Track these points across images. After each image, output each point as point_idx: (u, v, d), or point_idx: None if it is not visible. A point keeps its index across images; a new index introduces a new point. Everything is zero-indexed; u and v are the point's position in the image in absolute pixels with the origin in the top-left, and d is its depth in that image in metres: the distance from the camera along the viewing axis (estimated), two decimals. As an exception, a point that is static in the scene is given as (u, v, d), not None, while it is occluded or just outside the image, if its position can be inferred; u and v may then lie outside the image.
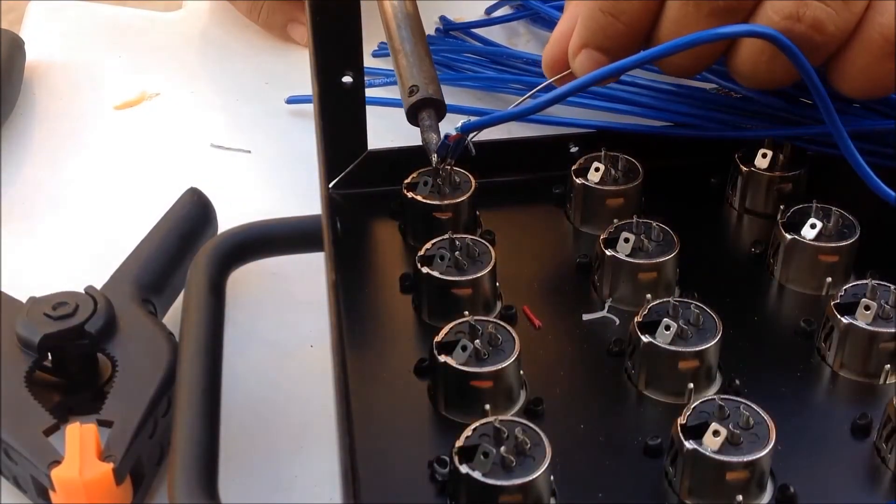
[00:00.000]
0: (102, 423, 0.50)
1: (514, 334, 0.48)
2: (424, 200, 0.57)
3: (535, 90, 0.59)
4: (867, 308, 0.49)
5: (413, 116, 0.57)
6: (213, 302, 0.55)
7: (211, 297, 0.55)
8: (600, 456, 0.46)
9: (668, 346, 0.48)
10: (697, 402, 0.44)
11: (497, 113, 0.55)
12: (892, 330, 0.49)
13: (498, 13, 0.90)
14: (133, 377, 0.52)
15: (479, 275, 0.52)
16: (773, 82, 0.54)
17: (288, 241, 0.61)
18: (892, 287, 0.50)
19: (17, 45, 0.83)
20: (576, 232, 0.60)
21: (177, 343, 0.54)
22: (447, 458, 0.44)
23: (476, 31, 0.86)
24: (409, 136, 0.59)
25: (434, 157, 0.56)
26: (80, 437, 0.48)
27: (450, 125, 0.56)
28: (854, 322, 0.49)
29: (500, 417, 0.43)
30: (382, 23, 0.61)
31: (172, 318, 0.60)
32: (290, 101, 0.80)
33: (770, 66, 0.52)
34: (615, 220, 0.55)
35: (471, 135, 0.55)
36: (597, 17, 0.54)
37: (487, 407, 0.46)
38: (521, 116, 0.58)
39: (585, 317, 0.53)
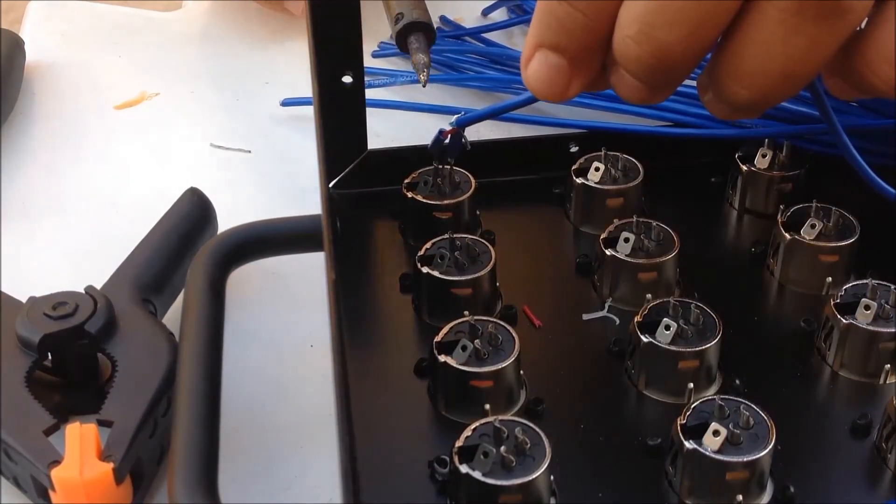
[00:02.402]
0: (102, 423, 0.50)
1: (514, 334, 0.48)
2: (424, 200, 0.57)
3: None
4: (867, 308, 0.49)
5: (402, 43, 0.57)
6: (213, 302, 0.55)
7: (211, 296, 0.55)
8: (600, 456, 0.46)
9: (668, 346, 0.48)
10: (697, 402, 0.44)
11: (490, 106, 0.54)
12: (892, 330, 0.49)
13: (494, 15, 0.90)
14: (133, 377, 0.52)
15: (479, 274, 0.52)
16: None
17: (288, 241, 0.61)
18: (892, 287, 0.50)
19: (17, 45, 0.83)
20: (576, 232, 0.60)
21: (177, 343, 0.54)
22: (447, 458, 0.44)
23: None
24: (409, 137, 0.59)
25: (422, 77, 0.55)
26: (80, 437, 0.48)
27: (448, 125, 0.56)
28: (854, 322, 0.49)
29: (500, 417, 0.43)
30: None
31: (172, 318, 0.60)
32: (286, 103, 0.80)
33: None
34: (615, 220, 0.55)
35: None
36: (552, 7, 0.44)
37: (487, 407, 0.46)
38: (513, 108, 0.57)
39: (585, 316, 0.53)
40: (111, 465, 0.48)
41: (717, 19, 0.41)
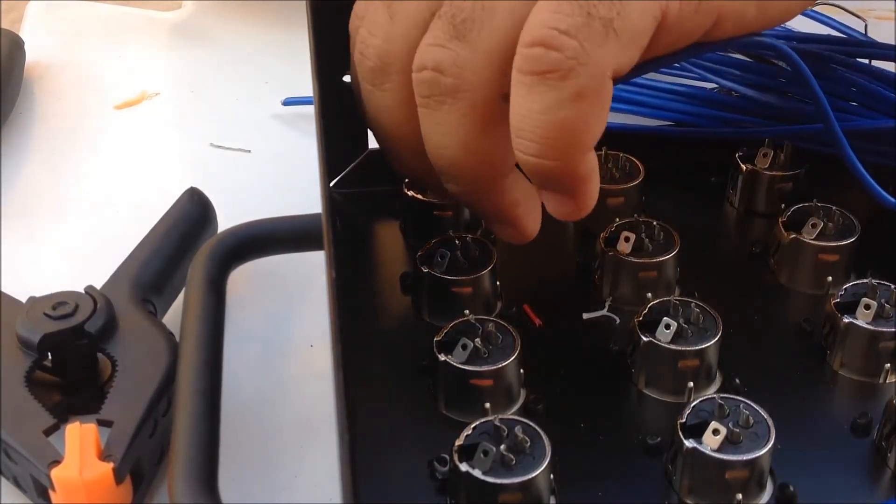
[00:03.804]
0: (102, 423, 0.50)
1: (514, 333, 0.48)
2: (425, 199, 0.57)
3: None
4: (867, 307, 0.49)
5: None
6: (214, 300, 0.55)
7: (211, 294, 0.55)
8: (600, 455, 0.46)
9: (668, 345, 0.48)
10: (697, 401, 0.44)
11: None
12: (893, 329, 0.49)
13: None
14: (133, 377, 0.52)
15: (479, 274, 0.52)
16: None
17: (289, 240, 0.61)
18: (893, 286, 0.50)
19: (17, 45, 0.83)
20: (576, 231, 0.60)
21: (177, 343, 0.54)
22: (447, 457, 0.44)
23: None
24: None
25: None
26: (80, 437, 0.48)
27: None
28: (854, 321, 0.49)
29: (500, 416, 0.43)
30: None
31: (172, 318, 0.60)
32: (287, 102, 0.80)
33: None
34: (616, 219, 0.55)
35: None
36: None
37: (487, 405, 0.46)
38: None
39: (586, 315, 0.53)
40: (111, 465, 0.48)
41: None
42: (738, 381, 0.49)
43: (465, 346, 0.47)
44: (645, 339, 0.48)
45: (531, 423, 0.43)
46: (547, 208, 0.47)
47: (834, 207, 0.55)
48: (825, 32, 0.68)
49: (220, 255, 0.58)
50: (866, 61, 0.63)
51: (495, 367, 0.47)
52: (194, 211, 0.64)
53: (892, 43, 0.66)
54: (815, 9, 0.70)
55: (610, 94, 0.43)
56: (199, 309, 0.54)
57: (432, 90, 0.44)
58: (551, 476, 0.43)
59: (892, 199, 0.52)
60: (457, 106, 0.44)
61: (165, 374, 0.52)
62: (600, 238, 0.54)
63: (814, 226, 0.54)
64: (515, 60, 0.42)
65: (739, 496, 0.43)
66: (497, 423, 0.43)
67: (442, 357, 0.47)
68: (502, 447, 0.42)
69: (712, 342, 0.48)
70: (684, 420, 0.44)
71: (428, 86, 0.44)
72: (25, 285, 0.57)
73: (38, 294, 0.55)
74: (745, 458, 0.42)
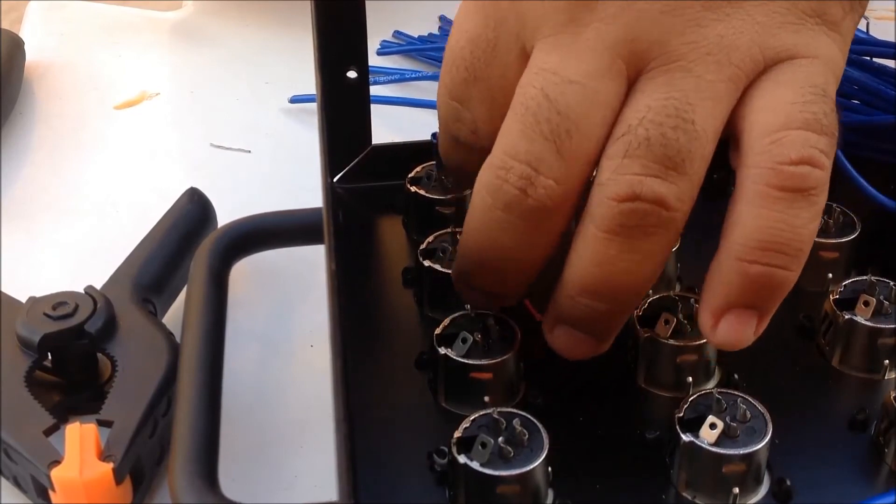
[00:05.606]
0: (102, 423, 0.50)
1: (514, 327, 0.48)
2: (427, 195, 0.57)
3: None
4: (866, 304, 0.49)
5: None
6: (216, 292, 0.55)
7: (213, 287, 0.55)
8: (598, 448, 0.46)
9: (667, 340, 0.48)
10: (695, 396, 0.44)
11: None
12: (892, 326, 0.49)
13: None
14: (133, 377, 0.52)
15: (479, 268, 0.52)
16: None
17: (291, 233, 0.61)
18: (892, 283, 0.50)
19: (17, 45, 0.83)
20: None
21: (177, 343, 0.54)
22: (446, 449, 0.44)
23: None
24: (413, 132, 0.59)
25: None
26: (80, 437, 0.48)
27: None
28: (854, 318, 0.49)
29: (499, 409, 0.43)
30: None
31: (172, 318, 0.60)
32: (294, 100, 0.80)
33: None
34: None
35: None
36: None
37: (487, 399, 0.46)
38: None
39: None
40: (111, 465, 0.48)
41: None
42: (736, 376, 0.49)
43: (465, 340, 0.47)
44: (644, 334, 0.48)
45: (529, 416, 0.43)
46: (718, 337, 0.43)
47: (834, 205, 0.55)
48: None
49: (223, 248, 0.58)
50: (868, 59, 0.63)
51: (495, 361, 0.47)
52: (194, 211, 0.64)
53: (893, 41, 0.66)
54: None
55: None
56: (201, 301, 0.54)
57: (644, 221, 0.42)
58: (549, 469, 0.43)
59: (891, 202, 0.52)
60: (666, 237, 0.42)
61: (165, 374, 0.52)
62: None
63: (813, 222, 0.54)
64: (766, 175, 0.41)
65: (736, 490, 0.43)
66: (496, 415, 0.43)
67: (442, 350, 0.47)
68: (500, 439, 0.42)
69: (711, 337, 0.48)
70: (682, 414, 0.44)
71: (640, 216, 0.41)
72: (25, 285, 0.57)
73: (38, 294, 0.55)
74: (741, 452, 0.42)
